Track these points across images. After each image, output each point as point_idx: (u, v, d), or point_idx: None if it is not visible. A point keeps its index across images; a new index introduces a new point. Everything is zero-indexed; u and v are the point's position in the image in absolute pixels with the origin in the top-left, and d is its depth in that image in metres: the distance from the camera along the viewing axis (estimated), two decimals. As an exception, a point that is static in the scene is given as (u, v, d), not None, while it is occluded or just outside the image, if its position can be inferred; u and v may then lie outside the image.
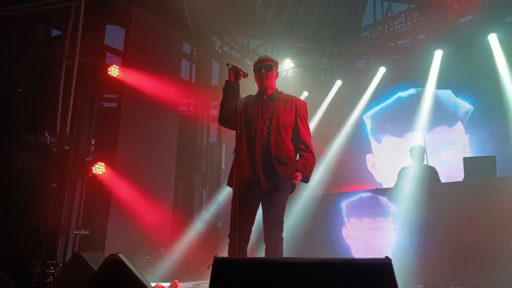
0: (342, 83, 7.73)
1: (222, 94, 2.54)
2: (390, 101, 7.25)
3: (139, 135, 5.31)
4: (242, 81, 2.50)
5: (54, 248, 4.30)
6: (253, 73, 2.67)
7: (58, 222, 4.36)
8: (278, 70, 2.70)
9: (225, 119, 2.54)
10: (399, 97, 7.11)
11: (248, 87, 2.95)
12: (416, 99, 6.66)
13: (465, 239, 3.86)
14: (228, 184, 2.52)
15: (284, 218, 2.51)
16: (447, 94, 6.51)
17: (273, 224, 2.41)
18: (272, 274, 1.34)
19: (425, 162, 5.13)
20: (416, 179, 4.70)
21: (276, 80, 2.69)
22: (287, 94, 2.69)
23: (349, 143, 7.40)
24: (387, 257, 1.35)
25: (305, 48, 8.12)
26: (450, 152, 6.17)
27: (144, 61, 5.42)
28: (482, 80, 5.97)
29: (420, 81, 6.68)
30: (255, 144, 2.44)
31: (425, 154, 4.96)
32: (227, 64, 2.44)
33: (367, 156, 7.26)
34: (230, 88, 2.44)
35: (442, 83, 6.49)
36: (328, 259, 1.36)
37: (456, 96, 6.38)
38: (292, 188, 2.56)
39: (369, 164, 7.21)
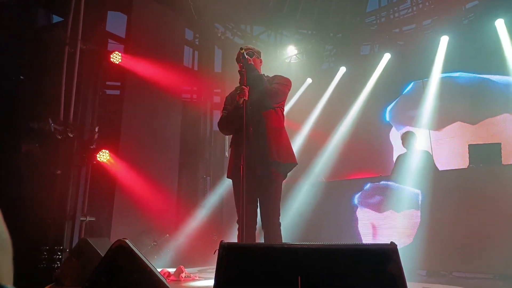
0: (346, 70, 7.65)
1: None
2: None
3: (143, 122, 5.31)
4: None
5: (61, 234, 4.35)
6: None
7: (63, 209, 4.40)
8: (261, 58, 2.78)
9: (227, 126, 2.66)
10: (406, 86, 6.99)
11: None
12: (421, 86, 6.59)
13: (469, 226, 3.88)
14: (228, 176, 2.59)
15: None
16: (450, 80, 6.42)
17: (268, 210, 2.44)
18: (278, 259, 1.35)
19: (424, 148, 5.13)
20: (413, 165, 4.71)
21: (261, 67, 2.77)
22: (273, 76, 2.71)
23: (352, 131, 7.36)
24: (392, 243, 1.35)
25: (309, 34, 8.02)
26: (455, 140, 6.14)
27: (147, 48, 5.38)
28: (488, 66, 5.89)
29: (425, 70, 6.57)
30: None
31: (417, 139, 4.95)
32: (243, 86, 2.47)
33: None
34: (240, 109, 2.43)
35: (447, 70, 6.40)
36: (333, 245, 1.37)
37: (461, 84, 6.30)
38: (285, 173, 2.57)
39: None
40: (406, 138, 4.95)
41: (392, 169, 5.00)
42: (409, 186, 4.41)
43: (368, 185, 4.79)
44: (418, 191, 4.37)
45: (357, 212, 4.79)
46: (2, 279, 0.39)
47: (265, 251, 1.40)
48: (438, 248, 4.03)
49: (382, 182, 4.67)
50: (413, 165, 4.73)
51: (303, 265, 1.33)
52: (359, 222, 4.76)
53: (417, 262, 4.19)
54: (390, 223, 4.47)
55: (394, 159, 6.75)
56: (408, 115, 6.83)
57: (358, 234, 4.69)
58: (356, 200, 4.84)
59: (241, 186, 2.23)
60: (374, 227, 4.61)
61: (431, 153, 4.96)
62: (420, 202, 4.27)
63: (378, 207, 4.62)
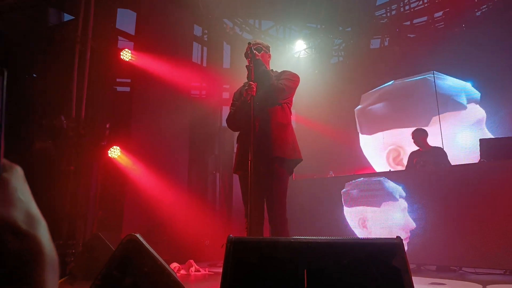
0: (356, 64, 7.59)
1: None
2: (398, 83, 7.01)
3: (152, 119, 5.37)
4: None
5: (74, 229, 4.45)
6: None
7: (76, 204, 4.50)
8: (270, 53, 2.79)
9: (235, 123, 2.68)
10: (413, 80, 6.91)
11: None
12: (432, 83, 6.50)
13: (480, 221, 3.84)
14: (235, 172, 2.62)
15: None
16: (463, 75, 6.31)
17: (274, 206, 2.46)
18: (285, 253, 1.37)
19: (435, 144, 5.07)
20: (424, 160, 4.67)
21: (269, 61, 2.79)
22: (281, 72, 2.72)
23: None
24: (398, 237, 1.36)
25: (317, 29, 7.97)
26: (467, 135, 6.05)
27: (156, 45, 5.42)
28: (500, 59, 5.78)
29: (437, 63, 6.49)
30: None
31: (427, 135, 4.89)
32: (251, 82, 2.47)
33: (387, 151, 6.93)
34: (247, 105, 2.45)
35: (459, 64, 6.30)
36: (339, 239, 1.38)
37: (473, 77, 6.19)
38: (290, 169, 2.58)
39: (390, 159, 6.91)
40: (416, 135, 4.89)
41: (406, 165, 4.96)
42: (421, 182, 4.38)
43: (375, 180, 4.77)
44: (421, 182, 4.34)
45: (362, 206, 4.78)
46: None
47: (271, 245, 1.42)
48: (448, 243, 4.01)
49: (390, 178, 4.65)
50: (425, 160, 4.70)
51: (309, 258, 1.35)
52: (365, 217, 4.75)
53: (427, 257, 4.18)
54: (398, 219, 4.45)
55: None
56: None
57: (364, 230, 4.69)
58: (363, 195, 4.82)
59: (249, 181, 2.26)
60: (380, 223, 4.60)
61: (443, 149, 4.90)
62: (430, 198, 4.24)
63: (386, 203, 4.60)
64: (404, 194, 4.45)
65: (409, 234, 4.31)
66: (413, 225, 4.31)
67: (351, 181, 4.95)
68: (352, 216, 4.87)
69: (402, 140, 6.48)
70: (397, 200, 4.50)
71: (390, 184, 4.60)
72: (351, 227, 4.83)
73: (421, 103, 6.49)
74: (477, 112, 6.05)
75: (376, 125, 7.03)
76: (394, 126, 6.85)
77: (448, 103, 6.22)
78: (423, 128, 5.01)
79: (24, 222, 0.40)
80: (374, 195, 4.73)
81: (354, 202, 4.88)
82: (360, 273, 1.31)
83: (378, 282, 1.29)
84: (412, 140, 4.92)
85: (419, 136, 4.86)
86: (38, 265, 0.39)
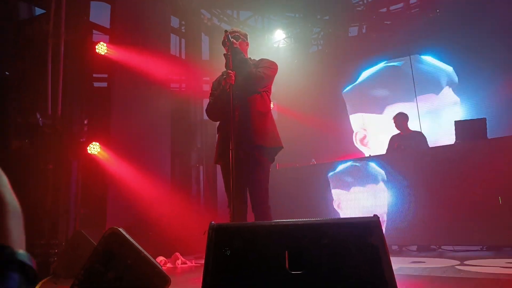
0: (334, 52, 7.66)
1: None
2: (380, 68, 7.16)
3: (132, 113, 5.29)
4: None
5: (56, 228, 4.37)
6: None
7: (57, 203, 4.41)
8: (248, 41, 2.77)
9: (215, 112, 2.69)
10: (391, 65, 7.05)
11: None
12: (407, 66, 6.63)
13: (456, 200, 3.98)
14: (216, 162, 2.63)
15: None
16: (438, 58, 6.47)
17: (256, 193, 2.48)
18: (266, 236, 1.39)
19: (417, 128, 5.20)
20: (405, 145, 4.79)
21: (247, 49, 2.78)
22: (259, 60, 2.72)
23: (343, 113, 7.43)
24: (375, 215, 1.40)
25: (296, 18, 7.97)
26: (442, 118, 6.22)
27: (132, 38, 5.32)
28: (472, 41, 5.93)
29: (413, 47, 6.63)
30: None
31: (408, 119, 5.01)
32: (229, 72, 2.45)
33: (355, 133, 7.20)
34: (226, 93, 2.44)
35: (434, 48, 6.45)
36: (318, 220, 1.41)
37: (448, 60, 6.34)
38: (271, 157, 2.60)
39: (356, 140, 7.16)
40: (398, 119, 5.00)
41: (386, 149, 5.07)
42: (399, 165, 4.49)
43: (355, 165, 4.86)
44: (399, 165, 4.47)
45: (344, 193, 4.88)
46: (15, 245, 0.42)
47: (252, 229, 1.44)
48: (427, 223, 4.14)
49: (369, 162, 4.74)
50: (405, 144, 4.81)
51: (290, 240, 1.38)
52: (346, 203, 4.85)
53: (407, 238, 4.31)
54: (378, 202, 4.56)
55: (372, 144, 6.87)
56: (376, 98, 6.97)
57: (345, 215, 4.79)
58: (344, 180, 4.91)
59: (231, 169, 2.27)
60: (361, 207, 4.70)
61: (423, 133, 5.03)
62: (408, 180, 4.35)
63: (365, 188, 4.70)
64: (385, 177, 4.56)
65: (390, 216, 4.43)
66: (394, 207, 4.43)
67: (337, 166, 5.03)
68: (335, 199, 4.97)
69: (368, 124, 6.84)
70: (379, 183, 4.60)
71: (372, 168, 4.70)
72: (336, 210, 4.92)
73: (399, 86, 6.66)
74: (453, 95, 6.22)
75: (356, 106, 7.24)
76: (366, 111, 7.05)
77: (428, 86, 6.38)
78: (404, 112, 5.12)
79: None
80: (357, 178, 4.82)
81: (337, 185, 4.97)
82: (339, 251, 1.35)
83: (357, 259, 1.33)
84: (394, 124, 5.02)
85: (402, 120, 4.97)
86: (0, 213, 0.40)
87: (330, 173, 5.06)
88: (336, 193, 4.98)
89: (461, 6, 6.18)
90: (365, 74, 7.30)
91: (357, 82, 7.37)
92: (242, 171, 2.46)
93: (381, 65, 7.10)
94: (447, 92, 6.28)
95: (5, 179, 0.45)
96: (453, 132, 4.32)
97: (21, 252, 0.42)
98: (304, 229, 1.39)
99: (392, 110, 6.78)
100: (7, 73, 4.92)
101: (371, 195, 4.65)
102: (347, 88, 7.44)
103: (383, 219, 4.45)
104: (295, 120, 7.43)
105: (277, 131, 2.65)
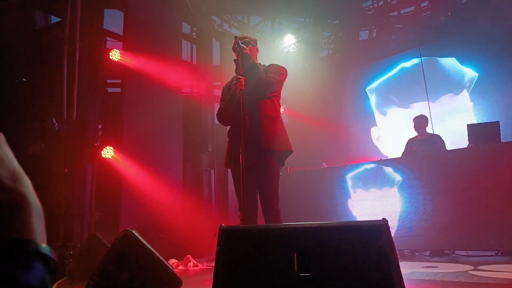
0: (346, 55, 7.65)
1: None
2: (394, 72, 7.15)
3: (145, 118, 5.38)
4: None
5: (71, 230, 4.47)
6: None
7: (72, 206, 4.51)
8: (257, 46, 2.81)
9: (226, 117, 2.71)
10: (403, 67, 7.02)
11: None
12: (420, 69, 6.59)
13: (470, 204, 3.93)
14: (226, 166, 2.67)
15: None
16: (452, 62, 6.41)
17: (266, 197, 2.50)
18: (275, 239, 1.42)
19: (430, 131, 5.15)
20: (422, 149, 4.75)
21: (257, 55, 2.82)
22: (269, 65, 2.75)
23: (354, 117, 7.40)
24: (384, 219, 1.41)
25: (306, 22, 8.00)
26: (455, 121, 6.15)
27: (145, 44, 5.42)
28: (487, 46, 5.86)
29: (424, 50, 6.59)
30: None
31: (428, 122, 4.98)
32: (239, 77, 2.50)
33: (372, 129, 7.25)
34: (236, 98, 2.48)
35: (447, 51, 6.39)
36: (326, 223, 1.43)
37: (462, 63, 6.28)
38: (281, 161, 2.63)
39: (374, 137, 7.21)
40: (418, 121, 4.97)
41: (403, 152, 5.05)
42: (414, 168, 4.44)
43: (369, 168, 4.84)
44: (413, 169, 4.42)
45: (357, 196, 4.85)
46: (38, 239, 0.48)
47: (262, 232, 1.47)
48: (441, 228, 4.09)
49: (383, 166, 4.72)
50: (422, 148, 4.77)
51: (298, 243, 1.40)
52: (359, 206, 4.82)
53: (421, 243, 4.26)
54: (392, 206, 4.53)
55: (385, 142, 6.82)
56: (391, 98, 6.94)
57: (359, 219, 4.76)
58: (357, 184, 4.89)
59: (241, 173, 2.30)
60: (375, 211, 4.67)
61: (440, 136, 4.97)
62: (422, 184, 4.31)
63: (379, 191, 4.67)
64: (398, 181, 4.52)
65: (403, 220, 4.39)
66: (406, 211, 4.39)
67: (348, 169, 5.02)
68: (347, 202, 4.94)
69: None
70: (391, 186, 4.57)
71: (385, 172, 4.67)
72: (347, 213, 4.90)
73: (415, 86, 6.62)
74: (466, 98, 6.15)
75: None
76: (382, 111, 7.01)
77: (446, 87, 6.34)
78: (424, 115, 5.09)
79: (7, 178, 0.48)
80: (369, 182, 4.79)
81: (349, 189, 4.95)
82: (347, 254, 1.36)
83: (365, 262, 1.34)
84: (413, 125, 4.99)
85: (421, 123, 4.93)
86: (24, 211, 0.47)
87: (342, 177, 5.05)
88: (347, 196, 4.96)
89: (472, 9, 6.12)
90: (378, 77, 7.29)
91: (372, 85, 7.36)
92: (253, 175, 2.49)
93: (396, 67, 7.09)
94: (461, 95, 6.21)
95: (28, 182, 0.50)
96: (465, 135, 4.27)
97: (44, 245, 0.48)
98: (312, 232, 1.41)
99: (404, 112, 6.75)
100: (24, 79, 5.07)
101: (383, 199, 4.62)
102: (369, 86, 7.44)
103: (395, 223, 4.41)
104: (306, 124, 7.44)
105: (287, 135, 2.67)
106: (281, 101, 2.84)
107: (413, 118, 5.07)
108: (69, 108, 4.55)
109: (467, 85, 6.18)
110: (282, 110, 6.79)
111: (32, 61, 4.82)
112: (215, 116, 2.91)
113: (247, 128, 2.45)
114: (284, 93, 7.75)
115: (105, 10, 5.33)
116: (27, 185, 0.50)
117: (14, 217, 0.46)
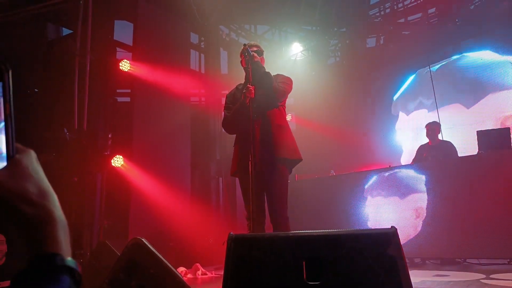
0: (353, 63, 7.66)
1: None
2: (410, 80, 7.04)
3: (153, 127, 5.44)
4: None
5: (80, 239, 4.51)
6: None
7: (82, 215, 4.56)
8: (263, 56, 2.82)
9: (233, 126, 2.73)
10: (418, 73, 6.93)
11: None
12: (429, 76, 6.55)
13: (482, 212, 3.87)
14: (233, 175, 2.68)
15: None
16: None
17: (276, 205, 2.51)
18: (284, 247, 1.42)
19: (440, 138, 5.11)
20: (433, 155, 4.71)
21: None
22: (275, 75, 2.77)
23: (361, 124, 7.38)
24: (393, 227, 1.41)
25: (313, 31, 8.05)
26: (465, 127, 6.08)
27: (154, 54, 5.51)
28: (492, 51, 5.82)
29: (432, 57, 6.55)
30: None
31: (440, 129, 4.94)
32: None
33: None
34: (246, 107, 2.51)
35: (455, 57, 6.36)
36: (335, 231, 1.43)
37: (468, 69, 6.23)
38: (290, 169, 2.64)
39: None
40: (431, 127, 4.95)
41: (413, 158, 5.02)
42: (426, 176, 4.39)
43: (380, 176, 4.81)
44: (423, 176, 4.37)
45: (370, 204, 4.82)
46: (64, 253, 0.50)
47: (271, 240, 1.47)
48: (452, 236, 4.04)
49: (395, 173, 4.68)
50: (433, 154, 4.73)
51: (307, 251, 1.40)
52: (371, 213, 4.78)
53: (432, 251, 4.20)
54: (403, 213, 4.48)
55: (402, 149, 6.76)
56: (413, 104, 6.84)
57: (372, 226, 4.72)
58: (369, 192, 4.86)
59: (250, 182, 2.31)
60: (387, 218, 4.63)
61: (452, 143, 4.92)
62: (433, 191, 4.26)
63: (389, 199, 4.63)
64: (408, 188, 4.48)
65: (413, 228, 4.34)
66: (417, 219, 4.34)
67: (357, 177, 4.99)
68: (357, 210, 4.90)
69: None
70: (401, 194, 4.53)
71: (394, 179, 4.64)
72: (356, 221, 4.86)
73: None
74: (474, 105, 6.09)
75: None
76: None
77: (449, 96, 6.27)
78: (437, 121, 5.07)
79: (35, 194, 0.50)
80: (378, 189, 4.76)
81: (358, 196, 4.92)
82: (356, 262, 1.36)
83: (374, 270, 1.34)
84: (425, 131, 4.96)
85: (434, 129, 4.91)
86: (50, 226, 0.50)
87: (352, 184, 5.02)
88: (357, 204, 4.93)
89: (479, 16, 6.10)
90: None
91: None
92: (262, 183, 2.50)
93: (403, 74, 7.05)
94: (470, 102, 6.16)
95: (55, 198, 0.53)
96: (474, 142, 4.23)
97: (70, 259, 0.50)
98: (321, 240, 1.41)
99: (411, 118, 6.71)
100: (36, 90, 5.19)
101: (393, 206, 4.58)
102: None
103: (405, 230, 4.37)
104: (314, 131, 7.43)
105: (296, 143, 2.69)
106: (288, 109, 2.86)
107: (425, 124, 5.05)
108: (79, 118, 4.62)
109: (476, 91, 6.11)
110: (289, 118, 6.81)
111: (44, 72, 4.93)
112: (221, 124, 2.93)
113: (257, 137, 2.46)
114: (291, 100, 7.77)
115: (115, 21, 5.44)
116: (54, 200, 0.53)
117: (40, 231, 0.49)
